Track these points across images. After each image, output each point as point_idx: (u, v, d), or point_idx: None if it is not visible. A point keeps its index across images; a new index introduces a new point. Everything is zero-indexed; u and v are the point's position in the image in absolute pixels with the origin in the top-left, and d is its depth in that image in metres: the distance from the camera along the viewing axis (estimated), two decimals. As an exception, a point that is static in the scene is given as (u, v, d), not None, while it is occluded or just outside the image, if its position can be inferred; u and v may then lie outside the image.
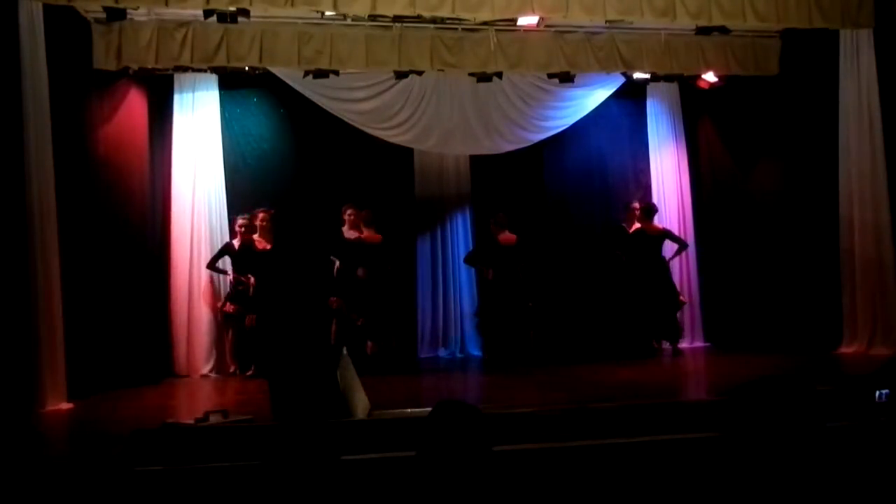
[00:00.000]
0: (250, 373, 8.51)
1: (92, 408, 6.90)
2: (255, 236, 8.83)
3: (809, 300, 8.92)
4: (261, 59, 8.23)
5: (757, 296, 9.55)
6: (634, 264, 9.50)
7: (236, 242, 8.90)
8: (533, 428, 5.37)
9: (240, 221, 8.87)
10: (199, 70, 8.76)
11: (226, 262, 8.93)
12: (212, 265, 8.92)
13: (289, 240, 9.03)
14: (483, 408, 2.36)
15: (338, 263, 8.96)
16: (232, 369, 8.88)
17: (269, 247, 8.86)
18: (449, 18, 7.98)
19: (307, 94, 9.02)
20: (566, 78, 9.07)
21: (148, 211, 8.85)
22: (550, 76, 9.14)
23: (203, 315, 9.06)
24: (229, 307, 8.81)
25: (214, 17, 7.61)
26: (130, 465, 4.64)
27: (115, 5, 7.33)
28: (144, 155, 8.84)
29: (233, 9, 7.44)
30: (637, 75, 9.39)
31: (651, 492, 3.69)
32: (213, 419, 6.07)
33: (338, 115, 9.19)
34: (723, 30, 8.45)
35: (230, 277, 8.90)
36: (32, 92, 6.78)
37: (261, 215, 8.82)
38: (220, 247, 9.00)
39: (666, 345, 9.61)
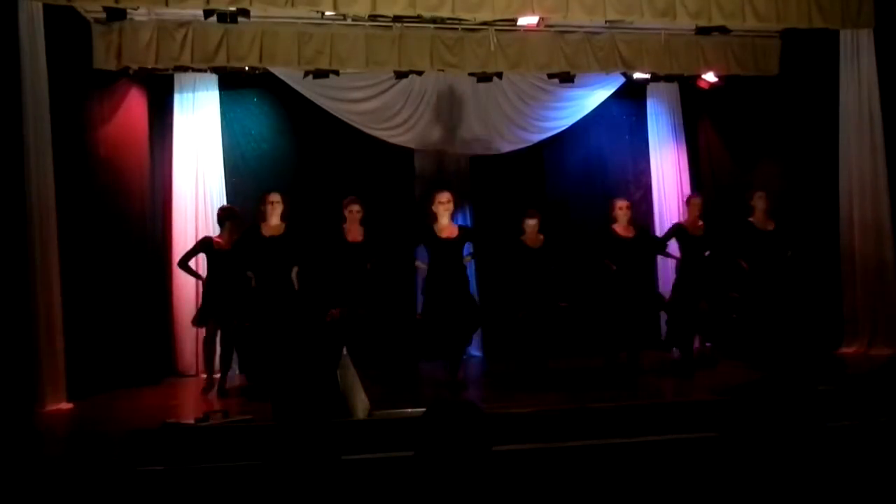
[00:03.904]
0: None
1: (92, 408, 6.91)
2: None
3: (809, 300, 8.91)
4: (261, 59, 8.22)
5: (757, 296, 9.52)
6: (687, 265, 8.57)
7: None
8: (533, 428, 5.38)
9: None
10: (199, 70, 8.75)
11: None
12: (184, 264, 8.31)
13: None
14: (482, 407, 2.35)
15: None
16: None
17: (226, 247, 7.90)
18: (449, 18, 7.98)
19: (307, 94, 9.01)
20: (566, 78, 9.07)
21: (148, 211, 8.84)
22: (550, 76, 9.13)
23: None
24: None
25: (214, 17, 7.61)
26: (131, 465, 4.65)
27: (115, 5, 7.33)
28: (144, 155, 8.83)
29: (233, 9, 7.44)
30: (637, 75, 9.38)
31: (651, 492, 3.69)
32: (213, 419, 6.08)
33: (338, 115, 9.18)
34: (723, 30, 8.45)
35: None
36: (32, 92, 6.79)
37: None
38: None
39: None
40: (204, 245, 7.98)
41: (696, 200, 8.67)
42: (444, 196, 7.72)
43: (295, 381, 5.64)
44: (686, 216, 8.87)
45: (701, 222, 8.58)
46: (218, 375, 7.75)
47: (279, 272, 7.52)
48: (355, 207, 8.07)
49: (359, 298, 8.04)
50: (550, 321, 8.06)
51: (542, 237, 8.24)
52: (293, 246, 7.61)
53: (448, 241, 7.65)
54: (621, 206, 8.50)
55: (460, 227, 7.95)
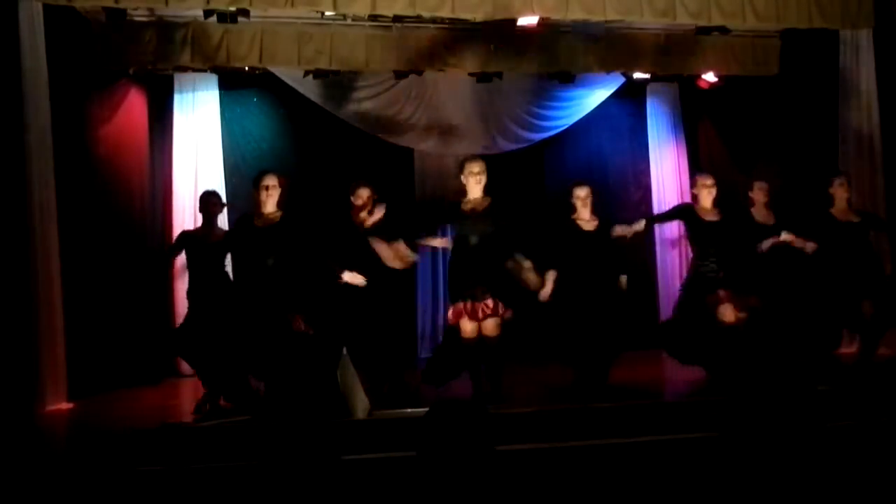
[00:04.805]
0: None
1: (92, 408, 6.91)
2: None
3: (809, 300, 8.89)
4: (261, 59, 8.23)
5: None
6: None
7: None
8: (533, 428, 5.39)
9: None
10: (199, 70, 8.76)
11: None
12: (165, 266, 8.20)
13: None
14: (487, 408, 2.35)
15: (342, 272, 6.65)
16: None
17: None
18: (449, 18, 7.98)
19: (307, 94, 9.02)
20: (566, 78, 9.08)
21: (148, 211, 8.84)
22: (550, 76, 9.14)
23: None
24: None
25: (214, 17, 7.61)
26: (130, 465, 4.65)
27: (115, 5, 7.33)
28: (144, 155, 8.84)
29: (233, 9, 7.43)
30: (637, 75, 9.39)
31: (650, 492, 3.69)
32: (213, 419, 6.08)
33: (338, 115, 9.19)
34: (723, 30, 8.45)
35: None
36: (32, 92, 6.79)
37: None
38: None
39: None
40: (185, 239, 7.08)
41: (763, 185, 7.49)
42: (477, 166, 6.60)
43: (294, 385, 5.63)
44: (751, 203, 7.57)
45: (770, 210, 7.52)
46: None
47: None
48: (365, 192, 6.92)
49: (368, 296, 6.77)
50: (589, 320, 6.85)
51: (597, 218, 7.05)
52: (291, 236, 6.43)
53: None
54: (706, 183, 7.16)
55: (493, 202, 6.69)
